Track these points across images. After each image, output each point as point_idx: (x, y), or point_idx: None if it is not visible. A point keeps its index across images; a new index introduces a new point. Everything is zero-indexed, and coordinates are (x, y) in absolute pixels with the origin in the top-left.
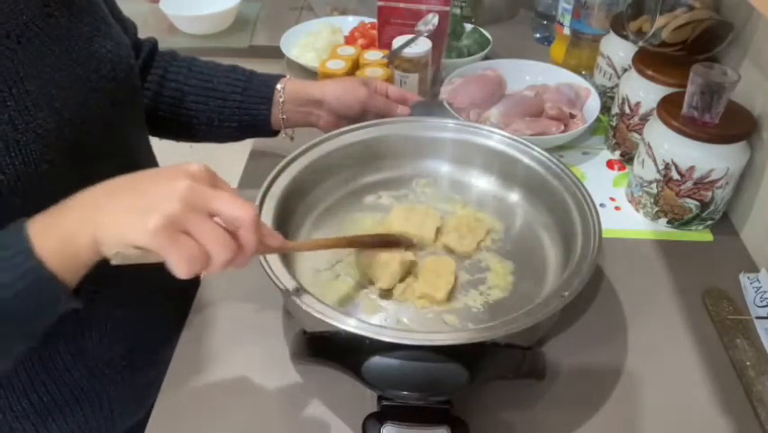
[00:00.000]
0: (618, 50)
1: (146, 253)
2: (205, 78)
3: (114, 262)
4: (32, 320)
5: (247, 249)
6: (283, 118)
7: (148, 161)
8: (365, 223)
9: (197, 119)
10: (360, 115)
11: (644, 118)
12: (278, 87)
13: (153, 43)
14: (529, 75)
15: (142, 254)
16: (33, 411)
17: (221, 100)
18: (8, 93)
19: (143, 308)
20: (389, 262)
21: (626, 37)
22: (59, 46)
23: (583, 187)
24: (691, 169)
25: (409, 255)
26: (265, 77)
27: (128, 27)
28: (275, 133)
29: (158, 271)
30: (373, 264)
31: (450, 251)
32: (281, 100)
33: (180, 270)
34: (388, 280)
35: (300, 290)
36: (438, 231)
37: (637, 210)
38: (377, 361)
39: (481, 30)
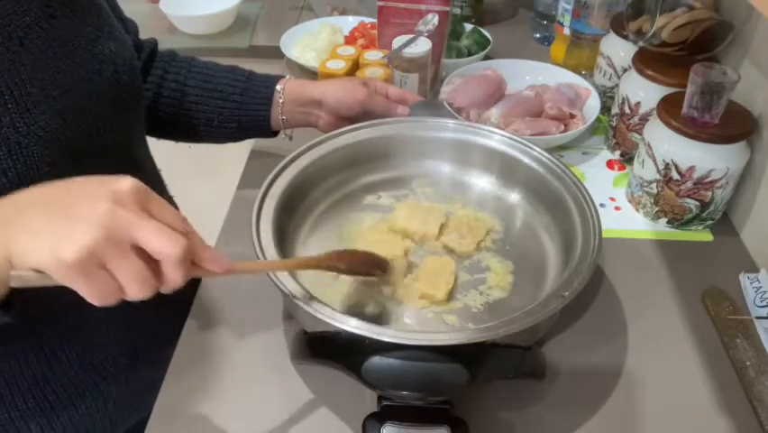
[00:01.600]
0: (618, 50)
1: (47, 278)
2: (205, 78)
3: (11, 283)
4: None
5: (170, 284)
6: (283, 119)
7: (147, 161)
8: (365, 223)
9: (197, 119)
10: (359, 116)
11: (644, 118)
12: (278, 87)
13: (154, 44)
14: (529, 75)
15: (43, 278)
16: (38, 410)
17: (220, 101)
18: (10, 96)
19: (146, 307)
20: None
21: (626, 37)
22: (62, 48)
23: (583, 187)
24: (691, 169)
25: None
26: (265, 77)
27: (129, 28)
28: (274, 133)
29: None
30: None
31: (450, 250)
32: (281, 101)
33: (90, 300)
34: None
35: (300, 291)
36: (442, 227)
37: (637, 210)
38: (377, 361)
39: (481, 30)
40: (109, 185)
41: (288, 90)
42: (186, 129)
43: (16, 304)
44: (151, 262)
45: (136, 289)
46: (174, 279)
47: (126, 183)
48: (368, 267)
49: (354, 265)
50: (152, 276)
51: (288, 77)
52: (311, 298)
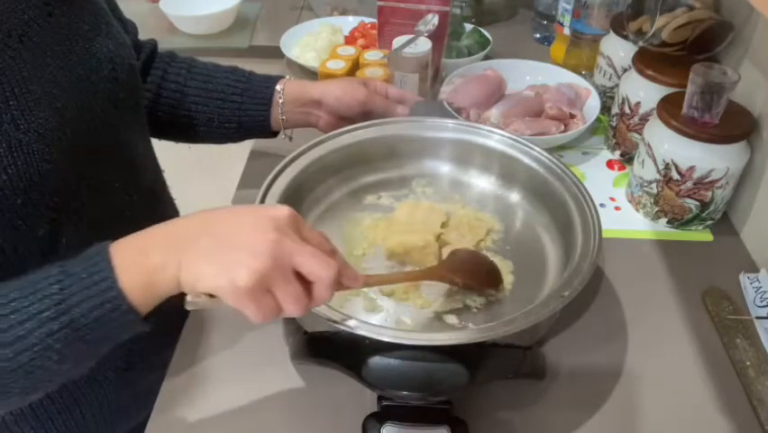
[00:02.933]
0: (618, 50)
1: (219, 301)
2: (205, 79)
3: (187, 308)
4: (105, 344)
5: (318, 304)
6: (282, 119)
7: (148, 161)
8: (365, 223)
9: (197, 120)
10: (359, 116)
11: (644, 118)
12: (278, 87)
13: (153, 45)
14: (529, 75)
15: (216, 301)
16: (33, 415)
17: (220, 101)
18: (11, 92)
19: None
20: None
21: (626, 37)
22: (60, 46)
23: (583, 187)
24: (691, 169)
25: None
26: (265, 78)
27: (128, 28)
28: (274, 133)
29: None
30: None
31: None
32: (281, 101)
33: (254, 321)
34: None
35: None
36: (444, 225)
37: (637, 210)
38: (377, 361)
39: (481, 30)
40: (270, 213)
41: (287, 90)
42: (186, 130)
43: (151, 317)
44: (304, 282)
45: (293, 308)
46: (325, 298)
47: (284, 212)
48: (484, 283)
49: (472, 280)
50: (306, 296)
51: (287, 77)
52: None
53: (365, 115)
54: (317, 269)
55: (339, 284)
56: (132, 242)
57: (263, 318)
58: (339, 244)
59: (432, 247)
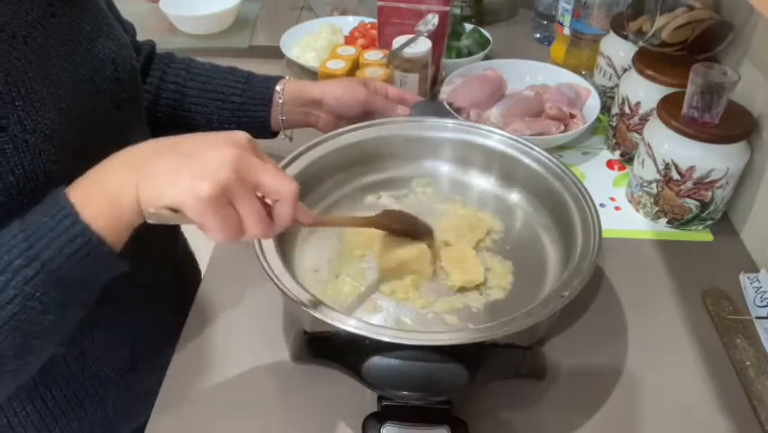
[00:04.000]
0: (618, 50)
1: (182, 216)
2: (204, 79)
3: (149, 220)
4: (85, 286)
5: (280, 224)
6: (282, 119)
7: None
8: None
9: (196, 121)
10: (359, 116)
11: (644, 118)
12: (278, 88)
13: (152, 46)
14: (529, 75)
15: (179, 216)
16: (37, 415)
17: (220, 102)
18: (17, 93)
19: (145, 311)
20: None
21: (626, 37)
22: (63, 47)
23: (583, 187)
24: (691, 169)
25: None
26: (264, 78)
27: (127, 29)
28: (274, 134)
29: (159, 274)
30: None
31: (449, 243)
32: (280, 101)
33: (215, 236)
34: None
35: (301, 291)
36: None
37: (637, 210)
38: (377, 361)
39: (481, 30)
40: (230, 135)
41: (287, 91)
42: (185, 130)
43: (127, 255)
44: (265, 206)
45: (256, 226)
46: (285, 218)
47: (243, 135)
48: (414, 230)
49: (404, 226)
50: (267, 215)
51: (287, 77)
52: (312, 298)
53: (365, 115)
54: (280, 185)
55: (294, 219)
56: (87, 176)
57: (226, 235)
58: (339, 244)
59: (426, 255)
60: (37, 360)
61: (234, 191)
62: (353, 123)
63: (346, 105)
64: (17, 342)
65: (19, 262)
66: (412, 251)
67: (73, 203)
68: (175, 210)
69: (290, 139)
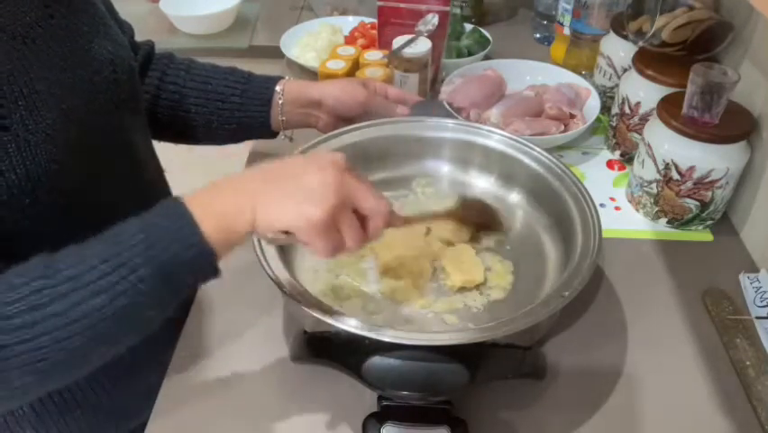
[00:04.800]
0: (618, 50)
1: (292, 237)
2: (204, 80)
3: (267, 242)
4: (185, 290)
5: (373, 238)
6: (282, 120)
7: (151, 161)
8: None
9: (196, 121)
10: (359, 116)
11: (644, 118)
12: (278, 88)
13: (151, 46)
14: (529, 75)
15: (290, 238)
16: (34, 415)
17: (220, 102)
18: (19, 93)
19: None
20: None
21: (626, 37)
22: (61, 47)
23: (583, 187)
24: (691, 169)
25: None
26: (264, 78)
27: (125, 29)
28: (274, 134)
29: None
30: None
31: (448, 243)
32: (280, 102)
33: (322, 256)
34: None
35: (301, 291)
36: (427, 233)
37: (637, 210)
38: (377, 361)
39: (481, 30)
40: (329, 158)
41: (287, 91)
42: (185, 131)
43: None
44: (359, 218)
45: (355, 242)
46: (378, 230)
47: (340, 155)
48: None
49: (481, 219)
50: (363, 231)
51: (287, 78)
52: (311, 298)
53: (365, 115)
54: (375, 204)
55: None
56: (199, 195)
57: (331, 252)
58: None
59: (425, 255)
60: (121, 348)
61: (339, 213)
62: (354, 123)
63: (346, 106)
64: (121, 331)
65: (137, 260)
66: (412, 251)
67: (192, 213)
68: (287, 233)
69: (290, 139)
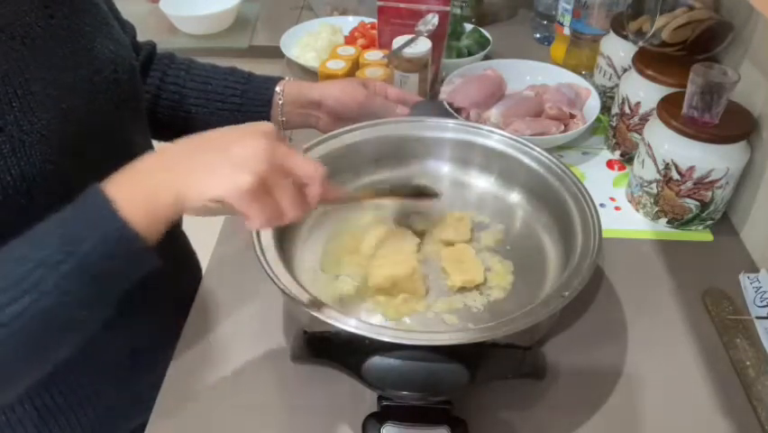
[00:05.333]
0: (618, 50)
1: (223, 208)
2: (204, 80)
3: (196, 214)
4: (117, 282)
5: (312, 204)
6: (282, 120)
7: None
8: (365, 222)
9: (196, 121)
10: (359, 117)
11: (644, 118)
12: (278, 89)
13: (152, 46)
14: (529, 75)
15: (221, 208)
16: (36, 414)
17: (220, 102)
18: (14, 94)
19: (145, 310)
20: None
21: (626, 37)
22: (62, 48)
23: (583, 187)
24: (691, 169)
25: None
26: (264, 78)
27: (126, 29)
28: None
29: (159, 273)
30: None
31: (449, 244)
32: (280, 102)
33: (257, 224)
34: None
35: (301, 291)
36: (418, 249)
37: (637, 210)
38: (377, 361)
39: (481, 30)
40: (257, 127)
41: (287, 92)
42: (185, 131)
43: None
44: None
45: (293, 209)
46: (315, 198)
47: (269, 125)
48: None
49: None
50: (302, 197)
51: (287, 78)
52: (311, 298)
53: (365, 116)
54: (310, 169)
55: (324, 197)
56: (119, 177)
57: (267, 221)
58: (338, 243)
59: (418, 273)
60: (60, 356)
61: (271, 180)
62: (354, 123)
63: (346, 107)
64: (49, 335)
65: (57, 257)
66: (406, 270)
67: (111, 199)
68: (219, 201)
69: (290, 139)
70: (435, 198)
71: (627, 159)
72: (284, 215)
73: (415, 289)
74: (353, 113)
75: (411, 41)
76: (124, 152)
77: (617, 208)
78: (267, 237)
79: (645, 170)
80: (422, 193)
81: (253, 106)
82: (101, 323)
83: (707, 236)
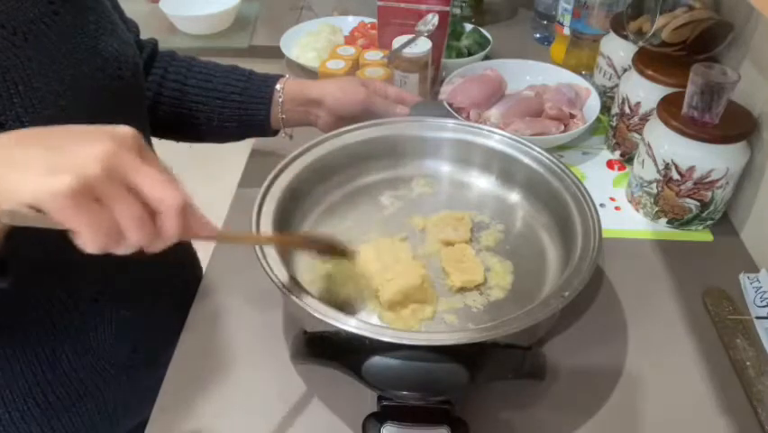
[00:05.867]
0: (618, 50)
1: (44, 217)
2: (205, 77)
3: (3, 220)
4: None
5: (165, 237)
6: (282, 118)
7: None
8: (364, 221)
9: (197, 119)
10: (358, 116)
11: (644, 118)
12: (278, 87)
13: (154, 44)
14: (529, 75)
15: (39, 217)
16: (38, 410)
17: (220, 100)
18: (15, 90)
19: (147, 308)
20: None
21: (626, 37)
22: (65, 44)
23: (583, 187)
24: (691, 169)
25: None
26: (264, 77)
27: (130, 27)
28: (275, 132)
29: (160, 271)
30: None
31: (449, 243)
32: (280, 100)
33: (86, 241)
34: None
35: (300, 290)
36: (415, 256)
37: (637, 210)
38: (377, 361)
39: (481, 30)
40: (109, 128)
41: (287, 90)
42: (186, 129)
43: (12, 268)
44: (148, 211)
45: (133, 230)
46: (171, 231)
47: (127, 129)
48: (328, 249)
49: (318, 246)
50: (151, 222)
51: (287, 76)
52: (311, 297)
53: (364, 115)
54: (162, 192)
55: (188, 228)
56: None
57: (99, 240)
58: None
59: (427, 281)
60: None
61: (102, 189)
62: (353, 122)
63: (345, 106)
64: None
65: None
66: (415, 280)
67: None
68: (37, 210)
69: (291, 138)
70: (345, 258)
71: (627, 159)
72: (123, 236)
73: (426, 297)
74: (353, 112)
75: (411, 41)
76: None
77: (617, 208)
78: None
79: (645, 170)
80: (335, 251)
81: (253, 104)
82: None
83: (707, 236)
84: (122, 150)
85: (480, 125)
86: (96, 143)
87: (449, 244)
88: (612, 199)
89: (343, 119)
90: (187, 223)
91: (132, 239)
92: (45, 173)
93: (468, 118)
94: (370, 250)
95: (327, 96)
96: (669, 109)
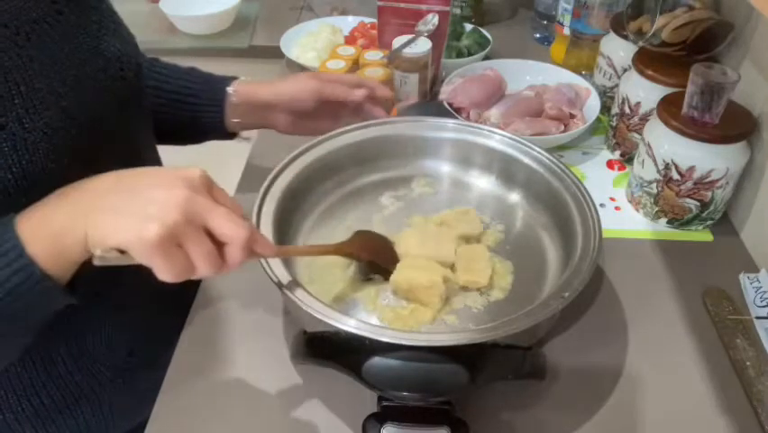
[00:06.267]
0: (618, 50)
1: (127, 257)
2: (164, 80)
3: (95, 263)
4: (26, 318)
5: (231, 266)
6: (236, 122)
7: (153, 161)
8: (365, 221)
9: (156, 120)
10: (318, 109)
11: (644, 118)
12: (229, 90)
13: None
14: (529, 75)
15: (126, 257)
16: (34, 413)
17: (179, 103)
18: (17, 90)
19: (144, 310)
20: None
21: (626, 37)
22: (67, 44)
23: (583, 187)
24: (691, 169)
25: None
26: (220, 79)
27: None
28: (231, 136)
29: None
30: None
31: (466, 239)
32: (234, 103)
33: (164, 278)
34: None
35: (300, 291)
36: (453, 269)
37: (637, 210)
38: (377, 361)
39: (481, 30)
40: (183, 173)
41: (240, 93)
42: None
43: (79, 287)
44: (217, 244)
45: (206, 267)
46: (236, 260)
47: (197, 172)
48: (382, 262)
49: (371, 255)
50: (219, 256)
51: (241, 78)
52: (311, 297)
53: (324, 106)
54: (230, 229)
55: (251, 251)
56: (36, 209)
57: (175, 276)
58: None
59: (437, 289)
60: None
61: (182, 234)
62: (314, 117)
63: (301, 101)
64: None
65: None
66: (425, 281)
67: (19, 236)
68: (122, 252)
69: (248, 140)
70: (387, 274)
71: (627, 159)
72: (195, 269)
73: (429, 301)
74: (310, 105)
75: (411, 41)
76: (128, 150)
77: (617, 208)
78: (267, 237)
79: (645, 170)
80: (379, 270)
81: (207, 107)
82: (21, 348)
83: (707, 236)
84: (194, 193)
85: (480, 125)
86: (174, 190)
87: (466, 239)
88: (612, 199)
89: (303, 116)
90: (250, 249)
91: (203, 273)
92: (135, 221)
93: (468, 118)
94: (413, 239)
95: (280, 95)
96: (669, 109)
